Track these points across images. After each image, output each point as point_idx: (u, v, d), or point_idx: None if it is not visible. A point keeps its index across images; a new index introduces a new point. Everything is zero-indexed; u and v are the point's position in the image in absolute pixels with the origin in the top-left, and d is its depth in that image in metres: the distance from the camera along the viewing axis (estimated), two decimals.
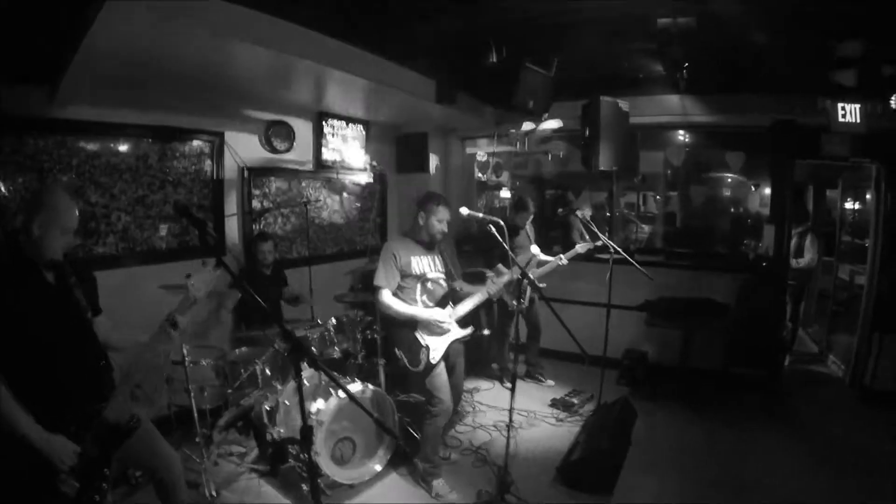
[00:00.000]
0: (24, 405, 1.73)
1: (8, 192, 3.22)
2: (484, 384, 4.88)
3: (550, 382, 4.80)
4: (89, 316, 2.07)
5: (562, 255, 4.26)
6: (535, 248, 3.73)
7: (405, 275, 2.98)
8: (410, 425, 3.45)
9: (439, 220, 3.00)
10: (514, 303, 3.05)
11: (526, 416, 4.08)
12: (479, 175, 5.91)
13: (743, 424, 3.98)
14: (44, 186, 3.26)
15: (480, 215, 2.99)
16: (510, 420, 2.85)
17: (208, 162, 4.26)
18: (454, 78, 4.09)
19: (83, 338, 2.01)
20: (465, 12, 3.27)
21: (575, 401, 4.20)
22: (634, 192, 6.57)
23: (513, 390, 2.80)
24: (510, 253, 2.82)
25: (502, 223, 2.84)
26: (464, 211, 3.03)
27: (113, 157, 3.69)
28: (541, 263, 4.34)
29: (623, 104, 4.33)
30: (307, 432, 1.99)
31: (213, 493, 2.96)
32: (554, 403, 4.26)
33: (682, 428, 3.91)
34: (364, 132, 5.39)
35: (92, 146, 3.59)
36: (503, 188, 6.03)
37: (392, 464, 3.24)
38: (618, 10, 3.24)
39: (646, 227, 6.25)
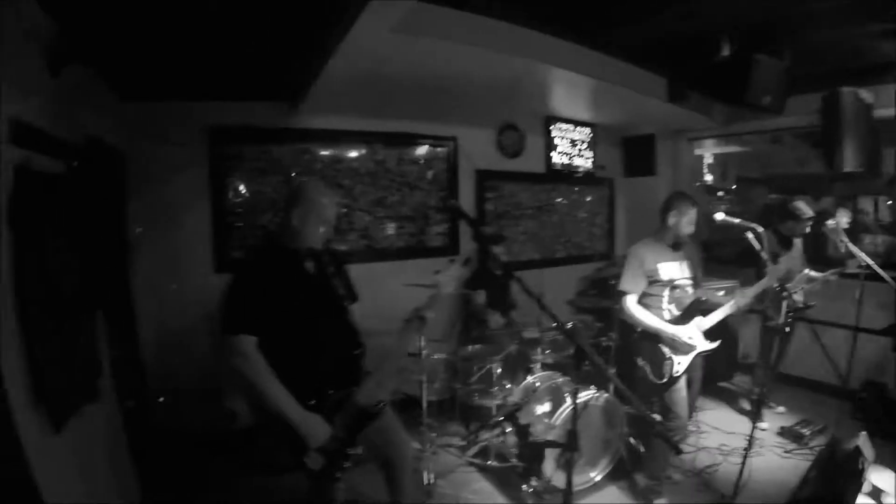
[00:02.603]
0: (284, 384, 1.83)
1: (249, 195, 3.67)
2: (708, 403, 4.41)
3: (781, 409, 4.22)
4: (347, 304, 2.18)
5: (832, 272, 3.66)
6: (811, 272, 3.45)
7: (652, 281, 2.85)
8: (636, 439, 3.32)
9: (690, 222, 2.84)
10: (780, 321, 2.75)
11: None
12: (707, 178, 5.47)
13: None
14: (303, 181, 3.50)
15: (737, 221, 2.76)
16: (747, 448, 2.63)
17: (443, 165, 4.50)
18: (682, 74, 3.86)
19: (341, 324, 2.12)
20: (692, 6, 3.09)
21: (805, 432, 3.72)
22: (868, 197, 5.63)
23: (756, 416, 2.59)
24: (767, 261, 2.59)
25: (761, 230, 2.62)
26: (718, 216, 2.82)
27: (353, 162, 4.05)
28: (810, 280, 3.71)
29: (866, 94, 3.79)
30: (573, 438, 2.02)
31: (431, 481, 3.11)
32: (783, 432, 3.79)
33: None
34: (591, 135, 5.35)
35: (333, 152, 3.96)
36: (720, 192, 5.54)
37: (611, 476, 3.16)
38: None
39: (881, 238, 5.30)
